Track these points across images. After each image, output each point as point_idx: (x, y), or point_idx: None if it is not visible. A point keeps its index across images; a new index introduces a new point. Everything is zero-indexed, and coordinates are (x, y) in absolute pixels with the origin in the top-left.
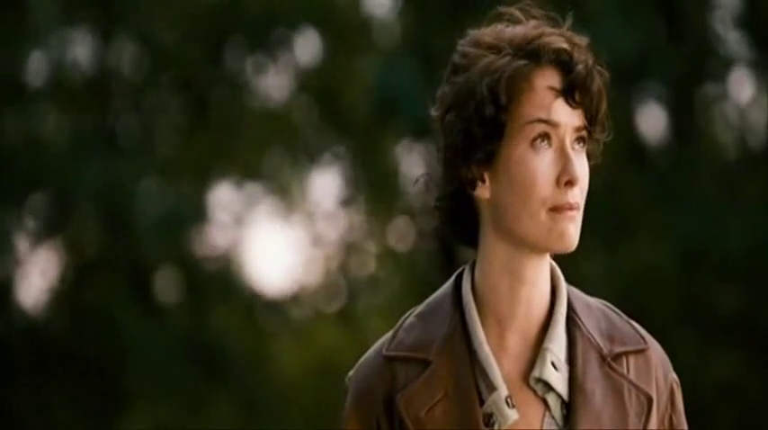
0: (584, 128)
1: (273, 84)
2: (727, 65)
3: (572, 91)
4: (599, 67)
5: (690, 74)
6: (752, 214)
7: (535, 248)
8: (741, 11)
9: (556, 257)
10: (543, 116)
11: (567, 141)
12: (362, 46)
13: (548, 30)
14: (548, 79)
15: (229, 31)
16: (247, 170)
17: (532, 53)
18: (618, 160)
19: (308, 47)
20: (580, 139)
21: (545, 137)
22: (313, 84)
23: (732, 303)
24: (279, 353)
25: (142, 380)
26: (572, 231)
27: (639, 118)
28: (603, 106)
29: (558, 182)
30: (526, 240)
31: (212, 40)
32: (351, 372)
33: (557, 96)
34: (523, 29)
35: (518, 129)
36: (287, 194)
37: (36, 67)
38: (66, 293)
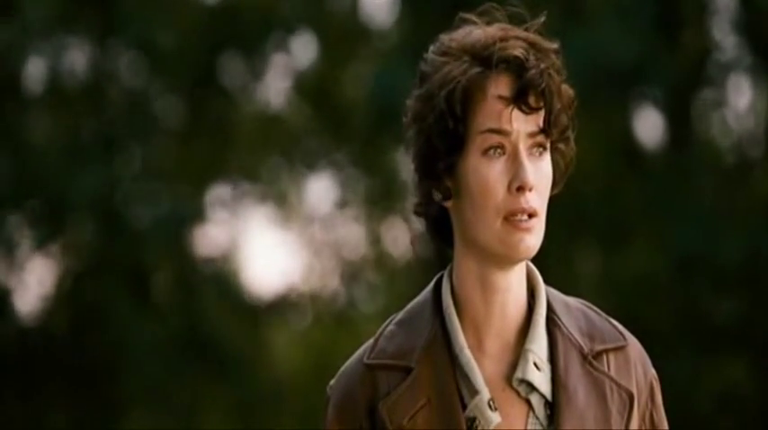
0: (540, 132)
1: (271, 89)
2: (724, 71)
3: (524, 97)
4: (556, 70)
5: (687, 79)
6: (749, 221)
7: (495, 258)
8: (739, 16)
9: (548, 262)
10: (494, 125)
11: (521, 147)
12: (360, 51)
13: (510, 33)
14: (500, 87)
15: (226, 36)
16: (245, 176)
17: (487, 60)
18: (615, 166)
19: (305, 52)
20: (538, 145)
21: (498, 146)
22: (310, 89)
23: (729, 312)
24: (275, 355)
25: (140, 383)
26: (528, 241)
27: (637, 123)
28: (559, 108)
29: (509, 188)
30: (486, 249)
31: (209, 46)
32: (332, 382)
33: (508, 104)
34: (486, 33)
35: (473, 139)
36: (284, 199)
37: (33, 72)
38: (64, 298)
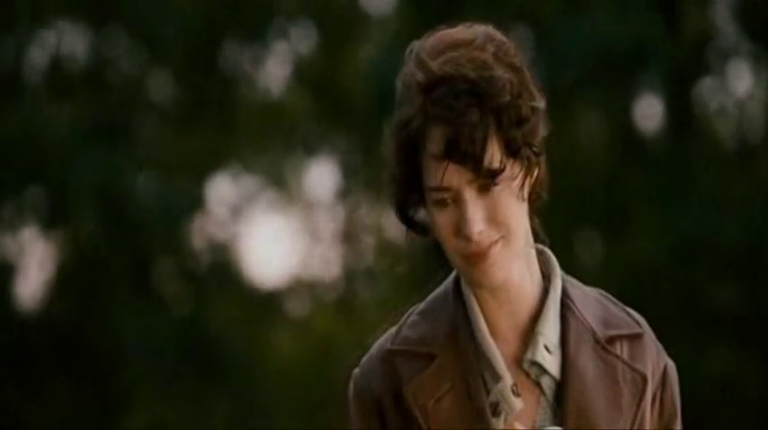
0: (479, 178)
1: (272, 76)
2: (725, 57)
3: (456, 151)
4: (503, 106)
5: (687, 66)
6: (749, 207)
7: None
8: (739, 3)
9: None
10: (433, 184)
11: (466, 195)
12: (360, 37)
13: (460, 70)
14: (435, 142)
15: (227, 22)
16: (245, 163)
17: (428, 109)
18: (615, 152)
19: (305, 38)
20: (483, 186)
21: (441, 200)
22: (311, 75)
23: (729, 297)
24: (276, 345)
25: (140, 375)
26: (491, 274)
27: (636, 110)
28: (489, 158)
29: (458, 235)
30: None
31: (210, 32)
32: (356, 370)
33: (443, 160)
34: (436, 69)
35: (427, 191)
36: (285, 186)
37: (33, 60)
38: (64, 288)
